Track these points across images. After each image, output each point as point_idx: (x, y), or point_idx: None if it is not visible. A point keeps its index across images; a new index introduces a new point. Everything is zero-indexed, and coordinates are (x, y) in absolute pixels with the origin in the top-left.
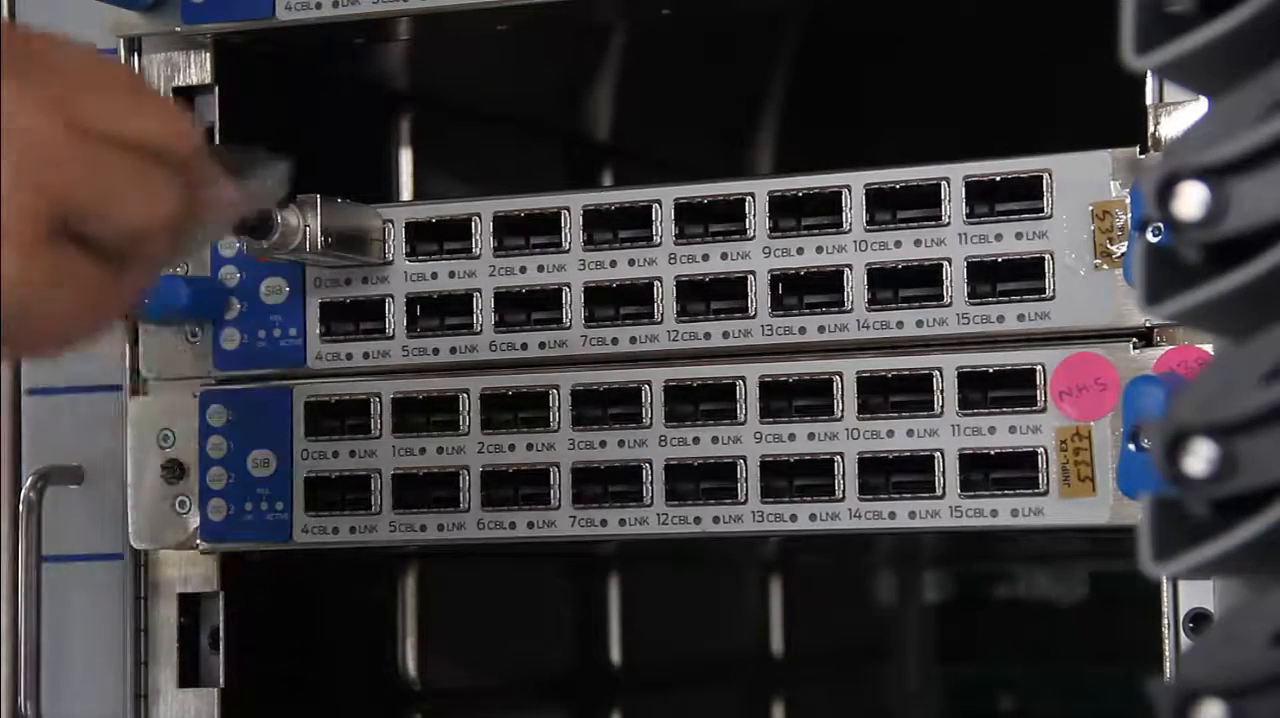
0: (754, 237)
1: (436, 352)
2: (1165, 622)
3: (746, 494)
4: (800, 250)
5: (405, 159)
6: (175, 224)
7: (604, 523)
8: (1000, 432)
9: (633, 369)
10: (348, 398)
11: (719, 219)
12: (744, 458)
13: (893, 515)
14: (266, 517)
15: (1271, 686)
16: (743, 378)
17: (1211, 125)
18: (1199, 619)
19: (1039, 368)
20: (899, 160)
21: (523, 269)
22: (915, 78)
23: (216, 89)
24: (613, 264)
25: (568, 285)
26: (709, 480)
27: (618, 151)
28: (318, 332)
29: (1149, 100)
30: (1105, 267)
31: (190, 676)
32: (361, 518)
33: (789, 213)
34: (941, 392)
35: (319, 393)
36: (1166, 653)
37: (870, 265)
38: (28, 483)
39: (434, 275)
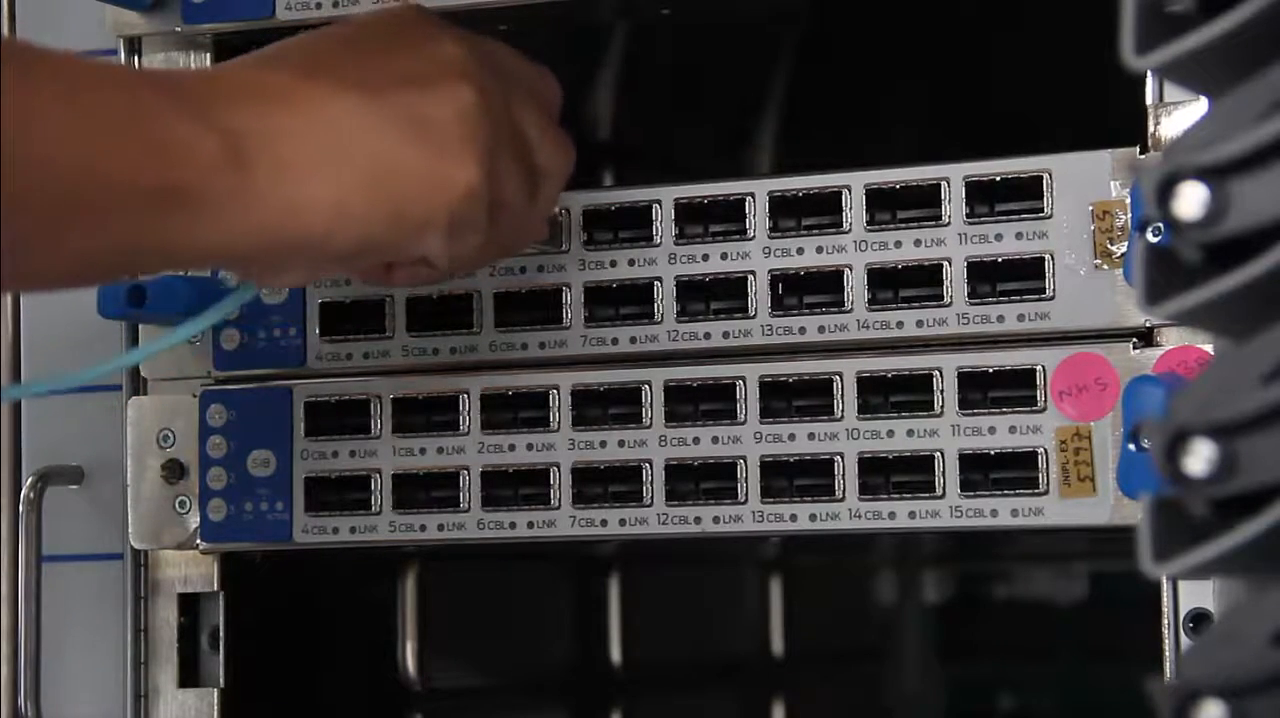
0: (754, 237)
1: (436, 352)
2: (1165, 622)
3: (746, 494)
4: (800, 250)
5: None
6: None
7: (604, 523)
8: (1000, 432)
9: (633, 369)
10: (348, 398)
11: (719, 219)
12: (744, 458)
13: (893, 516)
14: (266, 517)
15: (1271, 686)
16: (743, 378)
17: (1211, 125)
18: (1199, 619)
19: (1039, 368)
20: (899, 160)
21: (522, 269)
22: (915, 78)
23: None
24: (613, 264)
25: (568, 285)
26: (709, 480)
27: (618, 151)
28: (318, 331)
29: (1149, 100)
30: (1105, 267)
31: (190, 676)
32: (361, 518)
33: (789, 213)
34: (941, 392)
35: (319, 393)
36: (1166, 653)
37: (870, 265)
38: (28, 483)
39: None
